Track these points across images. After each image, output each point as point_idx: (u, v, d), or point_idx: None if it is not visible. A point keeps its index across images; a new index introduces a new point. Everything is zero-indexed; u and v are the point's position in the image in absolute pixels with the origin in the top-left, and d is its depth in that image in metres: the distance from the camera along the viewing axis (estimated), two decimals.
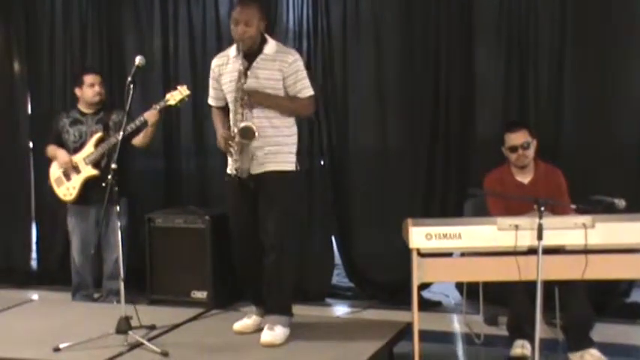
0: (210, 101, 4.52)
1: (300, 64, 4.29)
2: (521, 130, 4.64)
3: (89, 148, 5.39)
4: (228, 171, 4.28)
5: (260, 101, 4.18)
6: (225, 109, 4.42)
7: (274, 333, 4.20)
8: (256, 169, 4.22)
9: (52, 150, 5.52)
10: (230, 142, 4.16)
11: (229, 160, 4.27)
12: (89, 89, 5.48)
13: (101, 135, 5.40)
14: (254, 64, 4.21)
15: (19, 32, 6.65)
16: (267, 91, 4.21)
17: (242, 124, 4.11)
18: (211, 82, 4.47)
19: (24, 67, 6.69)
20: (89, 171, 5.36)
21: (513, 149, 4.61)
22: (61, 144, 5.50)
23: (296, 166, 4.36)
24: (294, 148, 4.35)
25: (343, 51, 5.78)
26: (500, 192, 4.57)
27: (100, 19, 6.39)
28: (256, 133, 4.08)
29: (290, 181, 4.32)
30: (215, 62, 4.44)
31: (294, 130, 4.37)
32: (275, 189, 4.24)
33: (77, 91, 5.55)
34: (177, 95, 5.16)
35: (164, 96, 5.23)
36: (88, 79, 5.50)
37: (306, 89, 4.29)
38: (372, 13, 5.70)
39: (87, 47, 6.43)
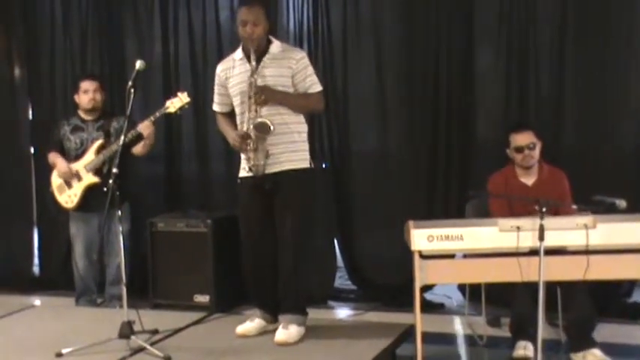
0: (215, 107, 4.48)
1: (307, 60, 4.31)
2: (528, 131, 4.64)
3: (90, 156, 5.38)
4: (243, 173, 4.29)
5: (272, 97, 4.16)
6: (230, 115, 4.41)
7: (288, 332, 4.21)
8: (272, 168, 4.20)
9: (52, 157, 5.51)
10: (246, 139, 4.14)
11: (242, 162, 4.27)
12: (84, 96, 5.49)
13: (102, 142, 5.38)
14: (261, 64, 4.20)
15: (19, 38, 6.67)
16: (277, 88, 4.20)
17: (258, 120, 4.10)
18: (217, 88, 4.44)
19: (24, 73, 6.70)
20: (90, 178, 5.36)
21: (519, 150, 4.61)
22: (63, 151, 5.51)
23: (310, 164, 4.35)
24: (306, 146, 4.33)
25: (344, 53, 5.79)
26: (504, 194, 4.57)
27: (101, 24, 6.40)
28: (272, 127, 4.08)
29: (306, 179, 4.31)
30: (220, 67, 4.41)
31: (306, 127, 4.35)
32: (291, 187, 4.21)
33: (75, 97, 5.57)
34: (177, 102, 5.07)
35: (164, 101, 5.18)
36: (83, 85, 5.51)
37: (315, 85, 4.30)
38: (372, 14, 5.71)
39: (87, 52, 6.44)
